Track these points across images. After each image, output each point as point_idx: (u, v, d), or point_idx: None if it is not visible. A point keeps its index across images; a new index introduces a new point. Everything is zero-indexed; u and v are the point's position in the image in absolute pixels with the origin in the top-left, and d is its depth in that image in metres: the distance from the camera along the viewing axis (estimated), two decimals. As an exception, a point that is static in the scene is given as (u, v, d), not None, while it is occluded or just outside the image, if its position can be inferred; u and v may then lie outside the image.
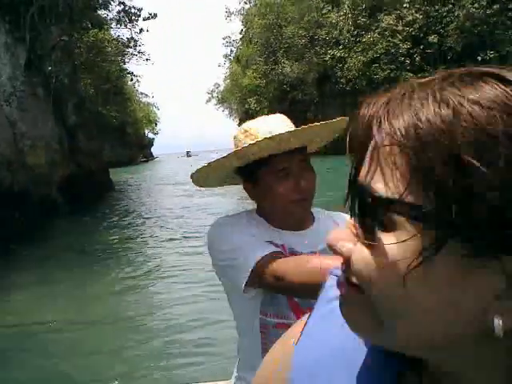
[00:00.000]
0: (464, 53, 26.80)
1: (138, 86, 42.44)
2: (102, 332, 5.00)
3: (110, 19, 18.78)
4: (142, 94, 61.16)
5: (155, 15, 19.78)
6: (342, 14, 36.61)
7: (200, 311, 5.27)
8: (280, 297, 1.23)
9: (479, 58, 25.28)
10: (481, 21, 26.18)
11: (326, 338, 0.45)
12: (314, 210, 1.38)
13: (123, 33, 20.93)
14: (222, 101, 72.88)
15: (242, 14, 64.09)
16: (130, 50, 20.66)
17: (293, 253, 1.25)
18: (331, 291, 0.46)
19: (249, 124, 1.29)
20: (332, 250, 0.36)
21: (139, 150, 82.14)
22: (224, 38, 71.71)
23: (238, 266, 1.19)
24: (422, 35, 29.99)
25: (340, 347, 0.44)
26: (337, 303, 0.41)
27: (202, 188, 1.43)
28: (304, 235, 1.30)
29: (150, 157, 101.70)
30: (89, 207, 14.53)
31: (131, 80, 22.05)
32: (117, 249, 8.72)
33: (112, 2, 17.50)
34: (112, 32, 20.60)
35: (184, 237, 9.45)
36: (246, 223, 1.29)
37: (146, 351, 4.40)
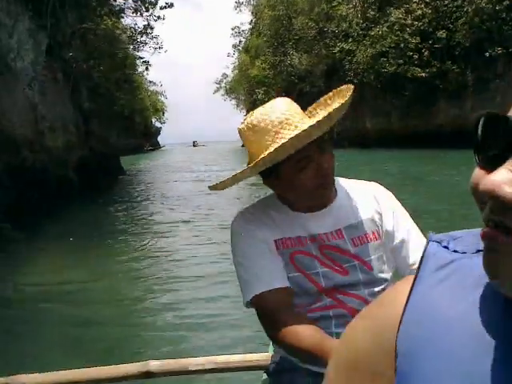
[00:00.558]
0: (472, 48, 27.06)
1: (147, 74, 42.75)
2: (110, 303, 5.06)
3: (127, 8, 19.33)
4: (150, 82, 61.49)
5: (172, 4, 20.39)
6: (351, 6, 36.79)
7: (212, 289, 5.27)
8: (308, 286, 1.24)
9: (487, 54, 25.57)
10: (490, 16, 26.38)
11: (443, 305, 0.43)
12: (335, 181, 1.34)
13: (136, 21, 21.40)
14: (230, 91, 73.14)
15: (251, 5, 64.30)
16: (144, 38, 21.21)
17: (313, 239, 1.24)
18: (436, 259, 0.45)
19: (264, 118, 1.22)
20: (491, 195, 0.34)
21: (146, 139, 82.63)
22: (233, 29, 71.94)
23: (243, 282, 1.25)
24: (430, 30, 30.20)
25: (463, 312, 0.42)
26: (447, 271, 0.42)
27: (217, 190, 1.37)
28: (327, 214, 1.27)
29: (156, 146, 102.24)
30: (102, 190, 15.15)
31: (146, 69, 22.57)
32: (130, 228, 9.23)
33: None
34: (128, 20, 21.16)
35: (195, 219, 9.89)
36: (265, 214, 1.29)
37: (161, 323, 4.41)
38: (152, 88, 73.35)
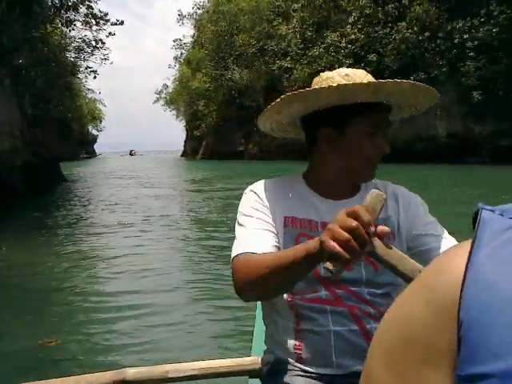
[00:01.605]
0: (399, 72, 29.25)
1: (86, 81, 42.15)
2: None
3: (78, 20, 19.66)
4: (88, 89, 60.39)
5: (122, 22, 21.08)
6: (290, 27, 38.51)
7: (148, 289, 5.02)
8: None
9: (412, 78, 27.86)
10: (414, 45, 28.84)
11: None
12: None
13: (86, 34, 21.61)
14: (170, 102, 73.26)
15: (194, 19, 65.09)
16: (91, 49, 21.57)
17: (324, 226, 1.10)
18: (495, 223, 0.43)
19: (348, 70, 1.18)
20: None
21: (82, 146, 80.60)
22: (175, 41, 72.43)
23: (236, 242, 1.17)
24: (363, 53, 32.33)
25: None
26: (510, 233, 0.41)
27: (263, 129, 1.32)
28: (345, 205, 1.14)
29: (92, 154, 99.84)
30: (45, 194, 15.25)
31: (94, 77, 22.83)
32: (73, 230, 9.36)
33: (81, 6, 18.41)
34: (77, 33, 21.50)
35: (134, 222, 10.03)
36: (282, 189, 1.25)
37: (123, 328, 4.01)
38: (90, 95, 71.99)
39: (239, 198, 1.27)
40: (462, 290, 0.41)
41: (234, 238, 1.19)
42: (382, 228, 0.88)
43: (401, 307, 0.47)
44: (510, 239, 0.41)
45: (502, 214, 0.43)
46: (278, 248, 1.16)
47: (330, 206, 1.20)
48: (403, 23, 29.54)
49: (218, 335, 3.76)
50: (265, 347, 1.34)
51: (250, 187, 1.27)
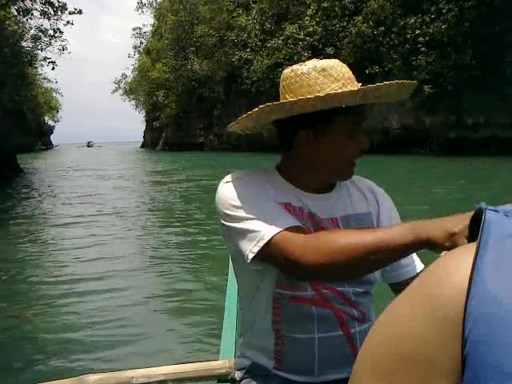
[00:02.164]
0: (355, 65, 29.96)
1: (41, 70, 40.89)
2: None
3: (35, 9, 19.12)
4: (44, 79, 58.62)
5: (80, 11, 20.64)
6: (250, 18, 38.59)
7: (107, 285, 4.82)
8: None
9: (367, 71, 28.57)
10: (369, 38, 29.57)
11: None
12: None
13: (43, 23, 21.07)
14: (130, 92, 71.96)
15: (154, 8, 64.04)
16: (48, 39, 21.06)
17: (311, 217, 1.12)
18: (501, 226, 0.39)
19: (336, 67, 1.09)
20: None
21: (38, 137, 78.19)
22: (134, 29, 71.05)
23: (249, 232, 1.01)
24: (320, 46, 32.86)
25: None
26: None
27: (232, 130, 1.19)
28: (325, 199, 1.17)
29: (49, 145, 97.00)
30: (1, 186, 14.93)
31: (53, 69, 22.24)
32: (30, 222, 9.26)
33: None
34: (35, 22, 20.97)
35: (92, 214, 10.04)
36: (263, 179, 1.14)
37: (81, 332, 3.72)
38: (46, 85, 69.80)
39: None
40: (466, 303, 0.37)
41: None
42: None
43: (395, 319, 0.42)
44: (505, 254, 0.38)
45: (507, 215, 0.41)
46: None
47: (311, 199, 1.15)
48: (359, 17, 30.18)
49: (184, 337, 3.55)
50: (236, 350, 1.28)
51: (227, 177, 1.14)
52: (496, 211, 0.41)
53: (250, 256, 1.00)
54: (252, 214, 1.04)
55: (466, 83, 26.46)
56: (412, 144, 29.16)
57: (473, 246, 0.39)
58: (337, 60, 1.12)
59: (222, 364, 1.41)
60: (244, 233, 1.03)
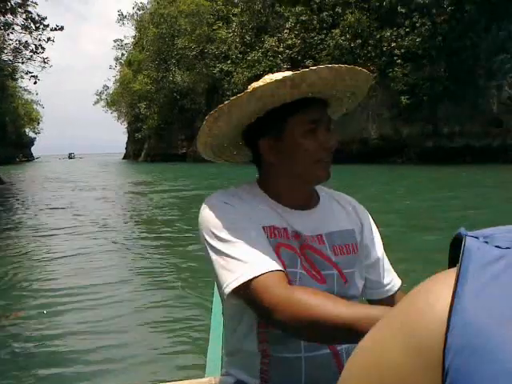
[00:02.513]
0: (333, 77, 30.58)
1: (21, 82, 40.66)
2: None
3: (16, 24, 19.26)
4: (25, 90, 58.14)
5: (62, 27, 20.82)
6: (230, 31, 39.00)
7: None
8: None
9: (345, 83, 29.08)
10: (347, 51, 30.18)
11: (506, 305, 0.35)
12: (317, 187, 1.22)
13: (25, 38, 21.20)
14: (111, 104, 71.72)
15: (135, 20, 64.16)
16: (28, 52, 21.18)
17: (297, 235, 1.10)
18: (482, 254, 0.39)
19: (272, 75, 1.08)
20: None
21: (18, 149, 77.34)
22: (115, 41, 71.05)
23: (231, 265, 0.98)
24: (299, 58, 33.33)
25: None
26: (500, 266, 0.37)
27: (204, 156, 1.21)
28: (309, 215, 1.15)
29: (30, 157, 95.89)
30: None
31: (35, 83, 22.29)
32: (9, 232, 9.31)
33: (19, 9, 18.05)
34: (16, 36, 21.15)
35: (76, 224, 10.14)
36: (247, 200, 1.11)
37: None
38: (27, 97, 69.18)
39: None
40: (446, 334, 0.36)
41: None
42: None
43: (374, 349, 0.42)
44: (498, 273, 0.38)
45: (486, 242, 0.40)
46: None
47: (295, 216, 1.12)
48: (337, 30, 30.81)
49: (168, 354, 3.43)
50: (222, 368, 1.23)
51: (211, 199, 1.11)
52: (476, 237, 0.40)
53: (227, 291, 0.97)
54: (235, 247, 1.00)
55: (441, 94, 27.18)
56: (390, 153, 29.71)
57: (453, 272, 0.39)
58: (289, 71, 1.07)
59: (208, 381, 1.38)
60: (225, 266, 0.99)
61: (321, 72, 0.98)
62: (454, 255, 0.41)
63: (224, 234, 1.03)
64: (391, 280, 1.20)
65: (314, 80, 0.99)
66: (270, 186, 1.15)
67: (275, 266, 0.97)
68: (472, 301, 0.36)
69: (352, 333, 0.79)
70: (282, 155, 1.09)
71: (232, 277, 0.97)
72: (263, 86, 0.98)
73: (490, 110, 25.92)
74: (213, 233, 1.04)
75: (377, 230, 1.24)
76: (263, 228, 1.07)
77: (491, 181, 15.87)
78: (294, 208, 1.13)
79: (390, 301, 1.17)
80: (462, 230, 0.42)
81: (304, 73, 0.97)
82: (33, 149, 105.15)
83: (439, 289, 0.39)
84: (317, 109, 1.07)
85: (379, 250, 1.21)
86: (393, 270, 1.22)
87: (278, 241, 1.07)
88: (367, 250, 1.19)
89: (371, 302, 1.20)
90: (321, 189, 1.23)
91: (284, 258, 1.05)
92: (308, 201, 1.17)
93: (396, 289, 1.20)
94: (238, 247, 1.00)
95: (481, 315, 0.35)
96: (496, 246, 0.39)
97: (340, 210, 1.21)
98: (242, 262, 0.98)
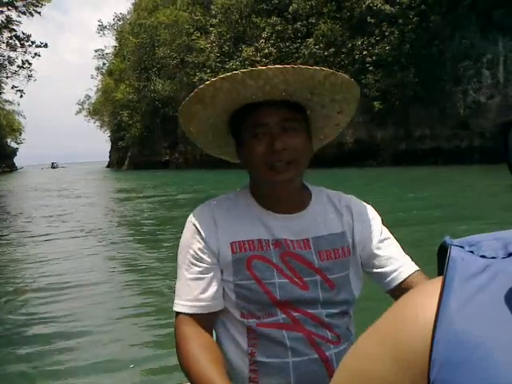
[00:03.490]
0: (309, 84, 31.21)
1: (3, 92, 40.45)
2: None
3: (2, 42, 19.72)
4: (6, 101, 57.63)
5: (46, 44, 21.31)
6: (209, 41, 39.44)
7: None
8: (261, 296, 1.07)
9: (321, 90, 29.78)
10: (321, 59, 30.91)
11: (491, 318, 0.35)
12: (314, 188, 1.21)
13: (10, 55, 21.66)
14: (94, 113, 71.49)
15: (115, 29, 64.14)
16: (13, 68, 21.65)
17: (278, 243, 1.10)
18: (466, 265, 0.38)
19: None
20: None
21: (1, 160, 76.45)
22: (96, 51, 70.89)
23: (177, 286, 1.13)
24: (276, 66, 33.97)
25: None
26: (484, 277, 0.36)
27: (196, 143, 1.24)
28: (296, 219, 1.13)
29: (13, 167, 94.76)
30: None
31: (21, 97, 22.70)
32: (5, 239, 9.57)
33: (4, 30, 18.49)
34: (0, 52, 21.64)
35: (61, 231, 10.20)
36: (233, 210, 1.14)
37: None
38: (9, 107, 68.55)
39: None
40: (431, 346, 0.35)
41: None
42: None
43: (362, 360, 0.41)
44: (484, 284, 0.37)
45: (472, 251, 0.39)
46: (218, 288, 1.11)
47: (280, 222, 1.12)
48: (311, 39, 31.55)
49: (158, 359, 3.37)
50: None
51: (190, 218, 1.16)
52: (461, 247, 0.40)
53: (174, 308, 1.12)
54: (183, 275, 1.12)
55: (412, 99, 28.06)
56: (365, 156, 30.49)
57: (438, 283, 0.39)
58: None
59: None
60: (177, 283, 1.14)
61: (285, 72, 0.97)
62: (441, 263, 0.40)
63: (181, 258, 1.14)
64: (397, 268, 1.12)
65: (277, 82, 0.99)
66: (256, 191, 1.17)
67: (197, 309, 1.09)
68: (457, 313, 0.36)
69: None
70: (243, 159, 1.12)
71: (175, 299, 1.12)
72: (210, 82, 1.05)
73: (457, 113, 26.89)
74: (180, 250, 1.16)
75: (378, 223, 1.19)
76: (232, 244, 1.10)
77: (459, 180, 16.59)
78: (280, 212, 1.14)
79: (404, 288, 1.09)
80: (447, 239, 0.41)
81: (252, 70, 0.98)
82: (15, 159, 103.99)
83: (424, 300, 0.39)
84: (266, 111, 1.05)
85: (377, 242, 1.16)
86: (402, 256, 1.15)
87: (249, 253, 1.10)
88: (363, 247, 1.16)
89: (389, 292, 1.14)
90: (320, 190, 1.23)
91: (256, 270, 1.09)
92: (294, 204, 1.15)
93: (404, 275, 1.11)
94: (184, 277, 1.12)
95: (465, 329, 0.35)
96: (481, 256, 0.38)
97: (332, 212, 1.18)
98: (180, 293, 1.12)
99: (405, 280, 1.11)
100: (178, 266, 1.14)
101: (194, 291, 1.09)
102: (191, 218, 1.16)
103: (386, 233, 1.19)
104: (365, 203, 1.23)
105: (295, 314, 1.07)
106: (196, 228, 1.13)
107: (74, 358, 3.49)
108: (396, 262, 1.13)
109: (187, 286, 1.10)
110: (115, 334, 3.94)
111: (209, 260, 1.11)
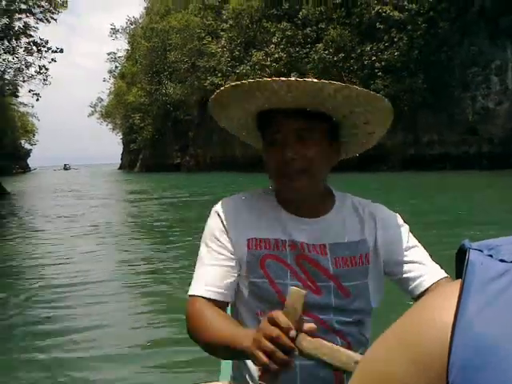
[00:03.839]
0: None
1: (19, 96, 41.07)
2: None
3: (20, 47, 20.27)
4: (21, 103, 58.28)
5: (62, 50, 21.72)
6: (220, 45, 39.66)
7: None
8: (272, 296, 1.09)
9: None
10: (331, 64, 30.97)
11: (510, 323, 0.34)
12: (339, 194, 1.21)
13: (28, 60, 22.51)
14: (106, 116, 72.09)
15: (127, 33, 64.73)
16: (29, 72, 22.21)
17: (294, 245, 1.10)
18: (485, 269, 0.37)
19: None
20: None
21: (15, 161, 77.34)
22: (109, 54, 71.56)
23: (195, 274, 1.14)
24: (286, 71, 34.04)
25: None
26: (504, 282, 0.36)
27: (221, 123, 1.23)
28: (315, 224, 1.13)
29: (26, 168, 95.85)
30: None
31: (37, 100, 23.22)
32: (15, 239, 9.53)
33: (23, 36, 18.97)
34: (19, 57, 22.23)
35: (78, 231, 10.26)
36: (255, 207, 1.16)
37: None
38: (23, 109, 69.34)
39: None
40: (450, 349, 0.35)
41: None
42: (309, 326, 0.85)
43: (379, 362, 0.42)
44: (504, 288, 0.36)
45: (491, 255, 0.39)
46: (238, 277, 1.13)
47: (299, 225, 1.13)
48: (320, 45, 31.62)
49: (182, 358, 3.37)
50: (232, 372, 1.27)
51: (215, 207, 1.19)
52: (480, 250, 0.39)
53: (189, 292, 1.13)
54: (203, 261, 1.14)
55: (420, 104, 28.03)
56: (376, 161, 30.44)
57: (457, 287, 0.38)
58: None
59: None
60: (195, 271, 1.15)
61: (315, 85, 0.98)
62: (459, 267, 0.40)
63: (204, 245, 1.17)
64: (422, 274, 1.11)
65: (311, 96, 1.00)
66: (279, 193, 1.19)
67: (212, 294, 1.10)
68: (476, 316, 0.35)
69: (229, 349, 0.95)
70: (264, 163, 1.13)
71: (191, 284, 1.13)
72: (225, 88, 1.09)
73: (465, 119, 26.84)
74: (203, 238, 1.19)
75: (404, 231, 1.17)
76: (249, 240, 1.13)
77: (468, 186, 16.57)
78: (301, 215, 1.15)
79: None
80: (466, 242, 0.41)
81: (253, 81, 1.01)
82: (29, 160, 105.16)
83: (442, 304, 0.38)
84: (282, 120, 1.06)
85: (402, 249, 1.14)
86: (429, 263, 1.13)
87: (264, 252, 1.11)
88: (388, 254, 1.14)
89: (414, 299, 1.13)
90: (345, 196, 1.22)
91: (270, 269, 1.10)
92: (314, 208, 1.15)
93: (430, 282, 1.09)
94: (203, 266, 1.14)
95: (485, 330, 0.34)
96: (500, 260, 0.38)
97: (354, 219, 1.17)
98: (198, 278, 1.13)
99: (431, 286, 1.09)
100: (200, 252, 1.17)
101: (211, 277, 1.11)
102: (217, 208, 1.19)
103: (413, 241, 1.17)
104: (392, 212, 1.21)
105: (305, 317, 1.02)
106: (220, 218, 1.16)
107: (87, 352, 3.55)
108: (422, 268, 1.11)
109: (206, 272, 1.12)
110: (124, 332, 4.00)
111: (229, 250, 1.13)
